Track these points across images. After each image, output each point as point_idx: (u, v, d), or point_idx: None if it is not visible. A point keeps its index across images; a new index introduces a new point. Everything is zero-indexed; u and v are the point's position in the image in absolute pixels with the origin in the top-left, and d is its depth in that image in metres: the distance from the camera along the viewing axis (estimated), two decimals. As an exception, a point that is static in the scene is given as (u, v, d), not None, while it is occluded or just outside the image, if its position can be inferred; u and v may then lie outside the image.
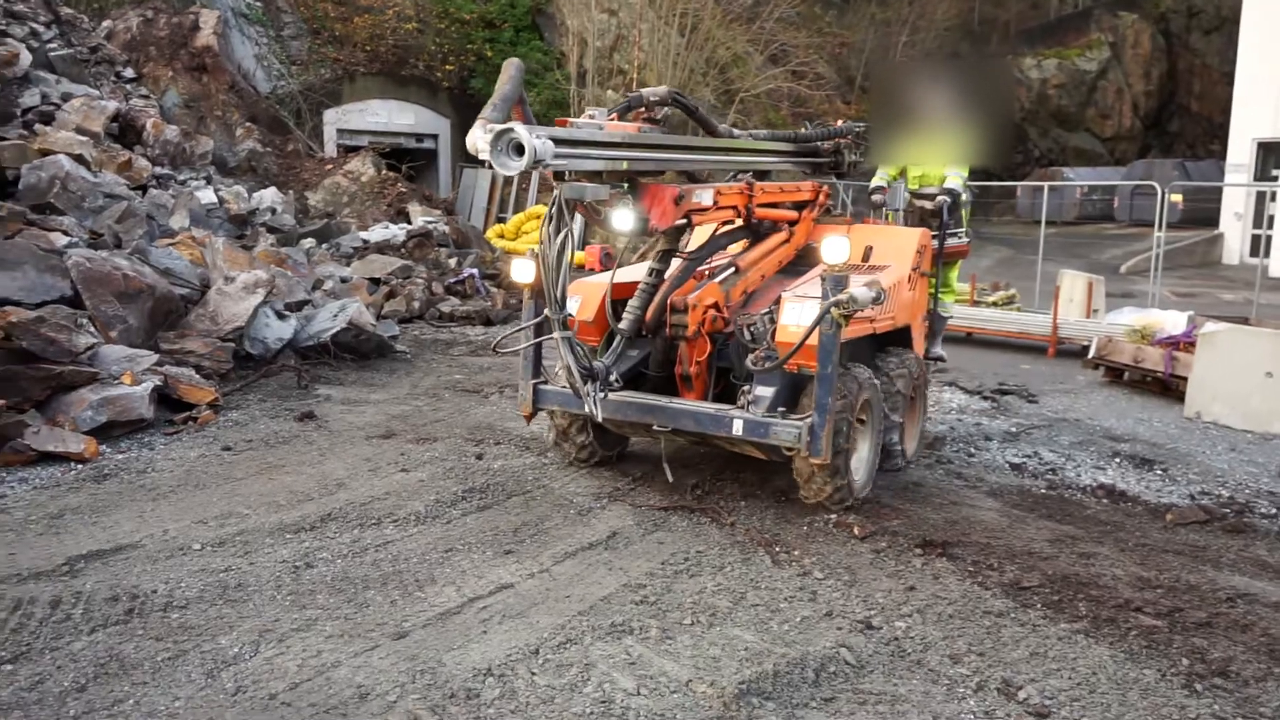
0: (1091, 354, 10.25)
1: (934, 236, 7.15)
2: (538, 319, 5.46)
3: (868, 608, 4.29)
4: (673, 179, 5.59)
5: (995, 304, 13.12)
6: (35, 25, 17.09)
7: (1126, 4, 38.04)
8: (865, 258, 6.41)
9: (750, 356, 5.39)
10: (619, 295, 5.90)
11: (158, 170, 12.84)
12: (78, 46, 16.91)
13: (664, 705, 3.41)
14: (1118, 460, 7.03)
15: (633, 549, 4.93)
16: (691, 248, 6.13)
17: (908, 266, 6.32)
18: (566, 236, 4.71)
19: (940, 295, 7.64)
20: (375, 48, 22.26)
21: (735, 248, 6.47)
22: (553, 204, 4.65)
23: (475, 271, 14.25)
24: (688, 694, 3.49)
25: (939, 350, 7.95)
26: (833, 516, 5.37)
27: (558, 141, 4.12)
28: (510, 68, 4.69)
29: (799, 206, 6.73)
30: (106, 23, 18.76)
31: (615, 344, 5.67)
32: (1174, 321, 10.23)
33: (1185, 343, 9.27)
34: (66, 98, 13.27)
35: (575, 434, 6.20)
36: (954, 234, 7.55)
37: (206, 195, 12.92)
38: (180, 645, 3.74)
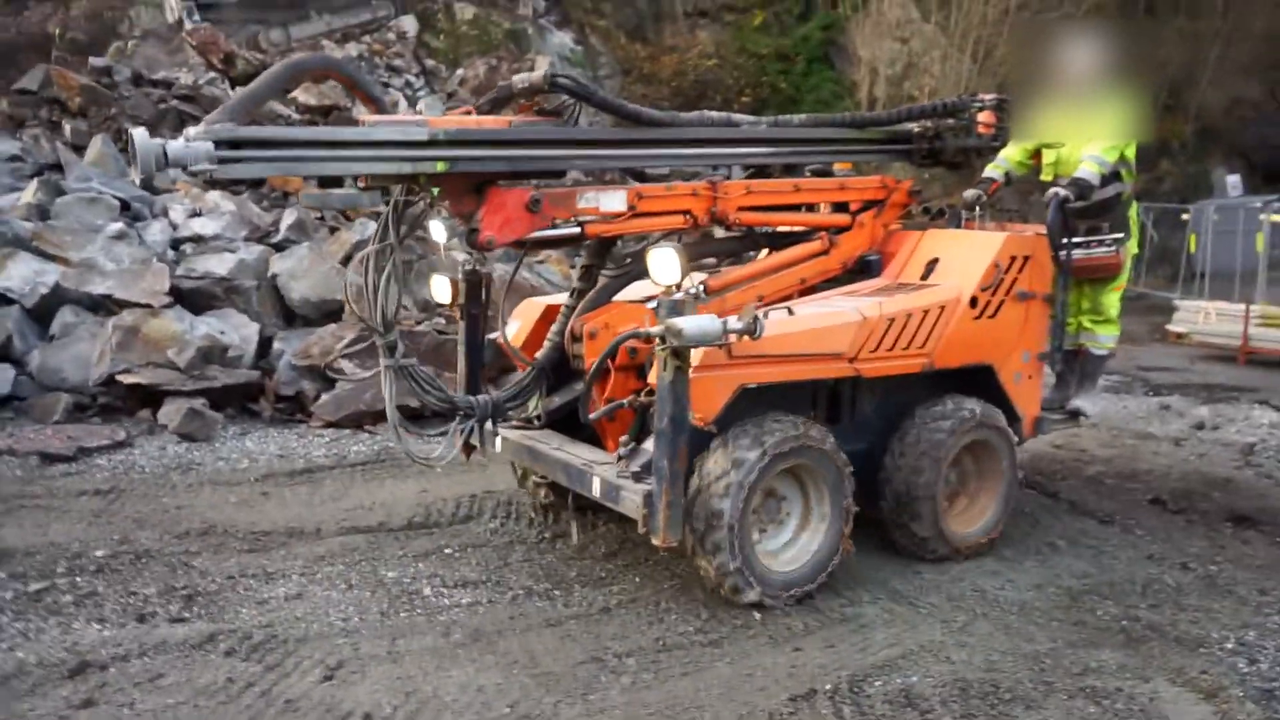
0: None
1: (1059, 245, 5.24)
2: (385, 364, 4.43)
3: (1184, 555, 5.28)
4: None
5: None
6: (409, 77, 20.77)
7: None
8: (926, 274, 5.14)
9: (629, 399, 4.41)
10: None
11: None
12: (439, 93, 20.20)
13: (1023, 597, 4.66)
14: None
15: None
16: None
17: (973, 285, 4.93)
18: (390, 249, 4.13)
19: (1089, 326, 5.83)
20: (679, 83, 24.43)
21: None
22: (383, 215, 4.18)
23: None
24: (1040, 591, 4.71)
25: (1080, 402, 5.83)
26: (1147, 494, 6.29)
27: (255, 143, 3.51)
28: (277, 65, 3.79)
29: (862, 207, 5.40)
30: (460, 71, 22.03)
31: (523, 376, 4.89)
32: None
33: None
34: (432, 136, 16.25)
35: (532, 478, 5.42)
36: (1088, 242, 5.49)
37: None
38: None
